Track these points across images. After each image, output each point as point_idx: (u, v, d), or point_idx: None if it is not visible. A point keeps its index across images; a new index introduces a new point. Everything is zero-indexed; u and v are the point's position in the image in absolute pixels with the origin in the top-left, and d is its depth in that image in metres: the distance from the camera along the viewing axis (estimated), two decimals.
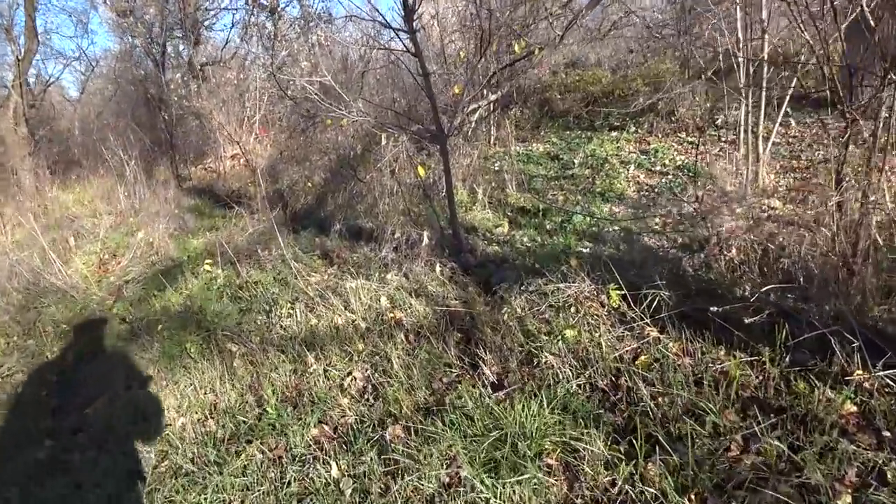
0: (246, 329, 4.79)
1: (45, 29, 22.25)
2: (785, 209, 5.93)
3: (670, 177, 7.12)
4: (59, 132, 18.13)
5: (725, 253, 4.18)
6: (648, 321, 3.81)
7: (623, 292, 3.93)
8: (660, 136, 8.48)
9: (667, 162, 7.49)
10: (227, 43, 15.34)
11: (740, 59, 6.30)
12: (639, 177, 7.25)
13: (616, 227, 6.02)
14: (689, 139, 8.13)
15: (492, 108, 9.36)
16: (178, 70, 14.32)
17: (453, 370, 3.92)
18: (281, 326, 4.70)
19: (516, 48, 7.89)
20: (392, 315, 4.50)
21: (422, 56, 5.32)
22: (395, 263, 5.51)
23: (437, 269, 5.27)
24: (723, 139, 7.98)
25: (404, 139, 6.79)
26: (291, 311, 4.78)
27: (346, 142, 8.39)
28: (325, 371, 4.09)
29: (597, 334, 3.80)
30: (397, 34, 5.80)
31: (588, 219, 6.37)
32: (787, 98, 6.27)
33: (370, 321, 4.53)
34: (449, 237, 5.86)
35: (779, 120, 6.13)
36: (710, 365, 3.48)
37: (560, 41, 8.39)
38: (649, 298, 3.81)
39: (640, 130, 8.70)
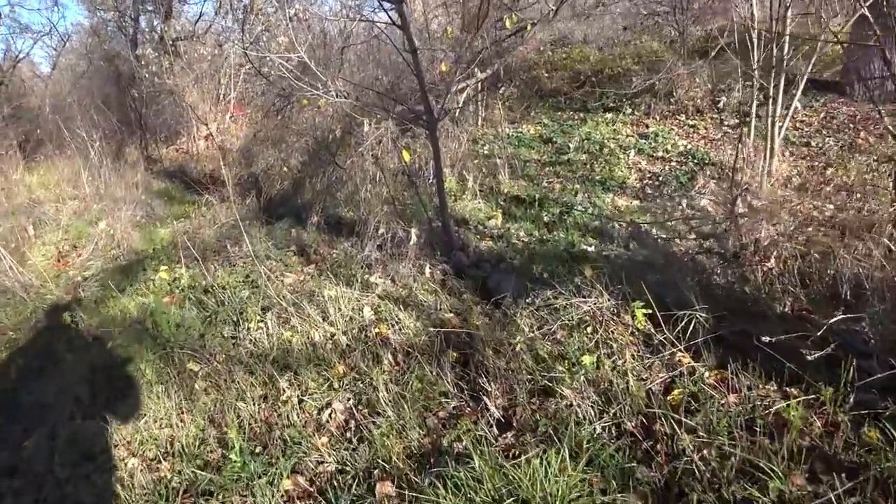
0: (210, 344, 4.06)
1: (9, 2, 20.85)
2: (805, 205, 5.30)
3: (674, 164, 6.46)
4: (30, 109, 16.99)
5: (763, 263, 3.53)
6: (679, 345, 3.16)
7: (649, 311, 3.27)
8: (658, 118, 7.80)
9: (669, 147, 6.82)
10: (200, 16, 14.29)
11: (754, 38, 5.62)
12: (640, 163, 6.57)
13: (623, 222, 5.35)
14: (690, 122, 7.45)
15: (479, 88, 8.61)
16: (150, 45, 13.31)
17: (450, 401, 3.24)
18: (250, 341, 3.98)
19: (507, 23, 7.13)
20: (377, 330, 3.80)
21: (409, 29, 4.56)
22: (379, 264, 4.79)
23: (427, 271, 4.57)
24: (725, 123, 7.33)
25: (388, 122, 6.04)
26: (262, 324, 4.06)
27: (325, 124, 7.60)
28: (301, 401, 3.39)
29: (621, 361, 3.14)
30: (381, 4, 5.03)
31: (590, 211, 5.69)
32: (804, 80, 5.60)
33: (352, 337, 3.83)
34: (438, 231, 5.16)
35: (794, 104, 5.45)
36: (759, 403, 2.84)
37: (554, 16, 7.62)
38: (682, 320, 3.16)
39: (636, 112, 8.00)
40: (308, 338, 3.87)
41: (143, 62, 12.24)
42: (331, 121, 7.73)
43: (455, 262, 4.73)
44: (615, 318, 3.36)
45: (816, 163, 6.00)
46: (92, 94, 13.09)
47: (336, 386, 3.44)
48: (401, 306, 4.00)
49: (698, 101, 7.65)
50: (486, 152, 7.59)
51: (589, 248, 4.86)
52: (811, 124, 6.78)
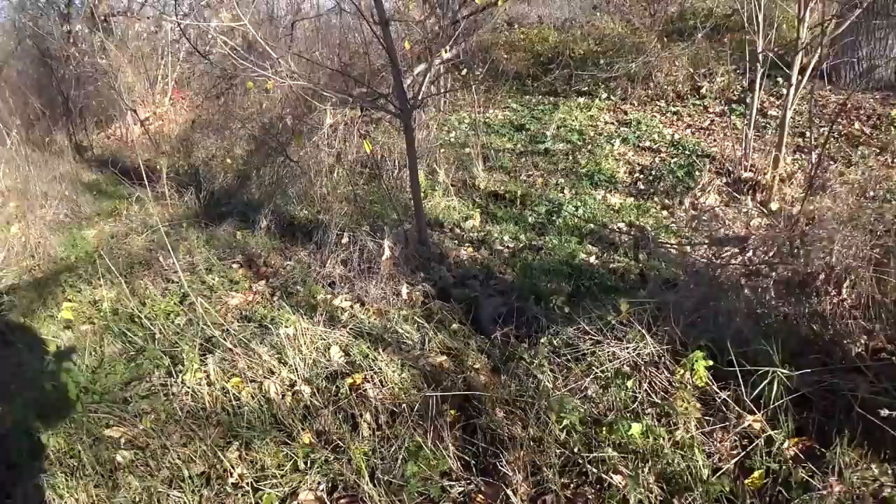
0: (136, 399, 3.06)
1: None
2: (818, 205, 4.58)
3: (664, 155, 5.67)
4: None
5: (838, 293, 2.74)
6: (749, 405, 2.36)
7: (709, 361, 2.44)
8: (636, 103, 7.01)
9: (655, 137, 6.03)
10: None
11: (760, 18, 4.84)
12: (627, 154, 5.77)
13: (623, 224, 4.53)
14: (672, 109, 6.68)
15: (442, 70, 7.64)
16: (81, 21, 11.75)
17: (456, 484, 2.36)
18: (188, 393, 3.00)
19: None
20: (351, 380, 2.87)
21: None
22: (344, 282, 3.84)
23: (404, 291, 3.65)
24: (709, 109, 6.59)
25: (348, 107, 5.06)
26: (201, 371, 3.07)
27: (274, 109, 6.54)
28: (255, 489, 2.45)
29: (678, 431, 2.31)
30: None
31: (581, 211, 4.85)
32: (811, 67, 4.85)
33: (318, 388, 2.90)
34: (411, 237, 4.24)
35: (795, 92, 4.69)
36: (866, 487, 2.07)
37: None
38: (748, 369, 2.34)
39: (613, 97, 7.19)
40: (261, 389, 2.91)
41: (72, 39, 10.78)
42: (280, 106, 6.66)
43: (437, 279, 3.82)
44: (661, 368, 2.53)
45: (815, 155, 5.30)
46: (16, 75, 11.49)
47: (302, 465, 2.51)
48: (377, 345, 3.08)
49: (679, 85, 6.88)
50: (453, 140, 6.66)
51: (591, 259, 4.03)
52: (801, 113, 6.10)
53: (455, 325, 3.28)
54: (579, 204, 4.90)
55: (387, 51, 3.79)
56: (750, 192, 4.61)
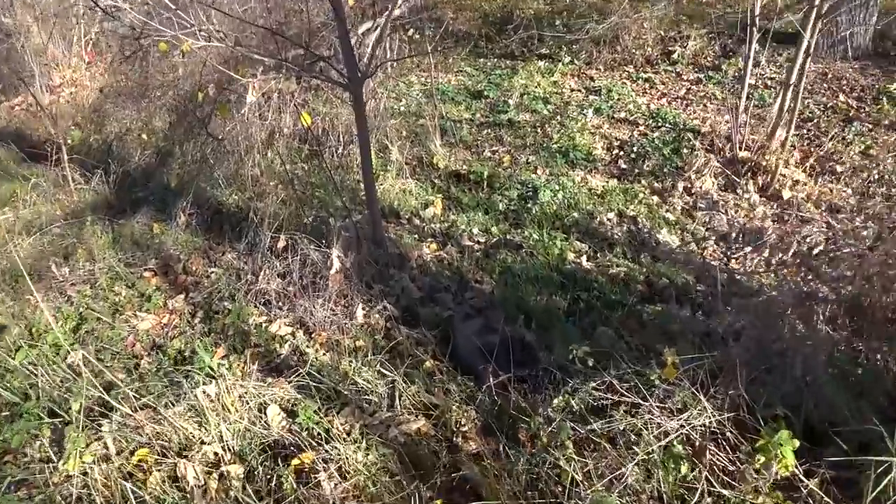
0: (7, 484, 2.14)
1: None
2: (820, 189, 3.95)
3: (642, 128, 4.93)
4: None
5: None
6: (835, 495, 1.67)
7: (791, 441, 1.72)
8: (602, 69, 6.22)
9: (631, 107, 5.27)
10: None
11: None
12: (602, 127, 4.99)
13: (612, 215, 3.78)
14: (643, 75, 5.93)
15: (389, 31, 6.63)
16: None
17: None
18: (76, 481, 2.10)
19: None
20: (298, 462, 2.03)
21: None
22: (283, 300, 2.96)
23: (360, 313, 2.81)
24: (683, 77, 5.87)
25: (282, 74, 4.07)
26: (96, 443, 2.17)
27: (196, 76, 5.42)
28: None
29: None
30: None
31: (560, 196, 4.07)
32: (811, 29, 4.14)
33: (252, 469, 2.05)
34: (363, 233, 3.38)
35: (806, 59, 4.00)
36: None
37: None
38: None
39: (576, 62, 6.37)
40: (171, 475, 2.05)
41: None
42: (200, 72, 5.55)
43: (398, 294, 2.99)
44: (723, 444, 1.80)
45: (805, 131, 4.68)
46: None
47: None
48: (331, 404, 2.24)
49: (648, 49, 6.13)
50: (403, 109, 5.74)
51: (584, 262, 3.27)
52: (776, 84, 5.46)
53: (429, 363, 2.47)
54: (557, 188, 4.11)
55: (333, 7, 2.84)
56: (749, 174, 3.93)
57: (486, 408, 2.25)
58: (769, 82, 5.46)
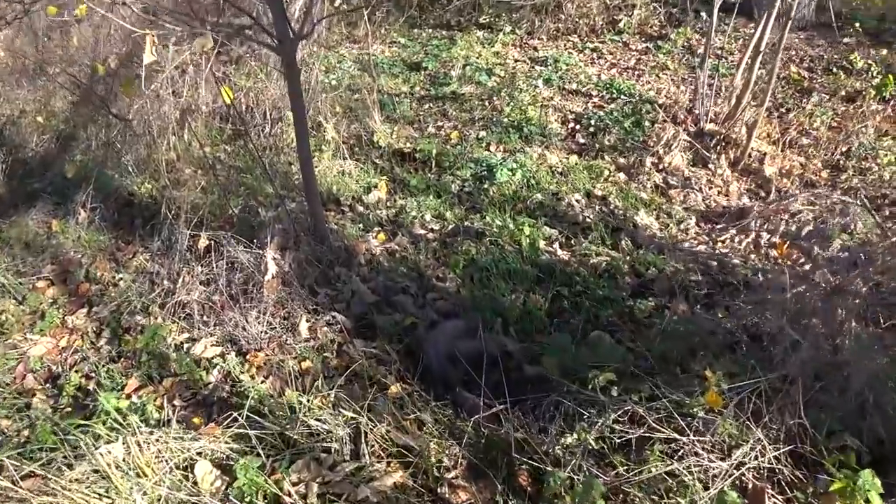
0: None
1: None
2: (791, 163, 3.70)
3: (597, 100, 4.56)
4: None
5: None
6: None
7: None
8: (545, 38, 5.81)
9: (582, 78, 4.89)
10: None
11: None
12: (553, 100, 4.58)
13: (579, 196, 3.37)
14: (590, 45, 5.56)
15: None
16: None
17: None
18: None
19: None
20: None
21: None
22: (208, 313, 2.39)
23: (304, 326, 2.28)
24: (631, 46, 5.54)
25: (200, 40, 3.41)
26: None
27: (99, 46, 4.61)
28: None
29: None
30: None
31: (519, 174, 3.64)
32: None
33: None
34: (301, 224, 2.84)
35: (788, 24, 3.73)
36: None
37: None
38: None
39: (518, 31, 5.93)
40: None
41: None
42: (102, 44, 4.72)
43: (348, 299, 2.48)
44: (783, 485, 1.42)
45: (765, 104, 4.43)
46: None
47: None
48: (278, 455, 1.73)
49: (593, 19, 5.76)
50: (335, 83, 5.13)
51: (559, 251, 2.84)
52: (732, 53, 5.22)
53: (395, 387, 1.99)
54: (515, 166, 3.67)
55: None
56: (719, 148, 3.62)
57: (471, 440, 1.80)
58: (719, 52, 5.20)
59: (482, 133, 4.19)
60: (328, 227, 3.07)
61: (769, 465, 1.43)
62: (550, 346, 2.10)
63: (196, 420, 1.99)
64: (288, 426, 1.81)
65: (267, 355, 2.20)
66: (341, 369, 2.12)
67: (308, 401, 1.88)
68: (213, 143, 4.31)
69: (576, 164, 3.76)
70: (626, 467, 1.46)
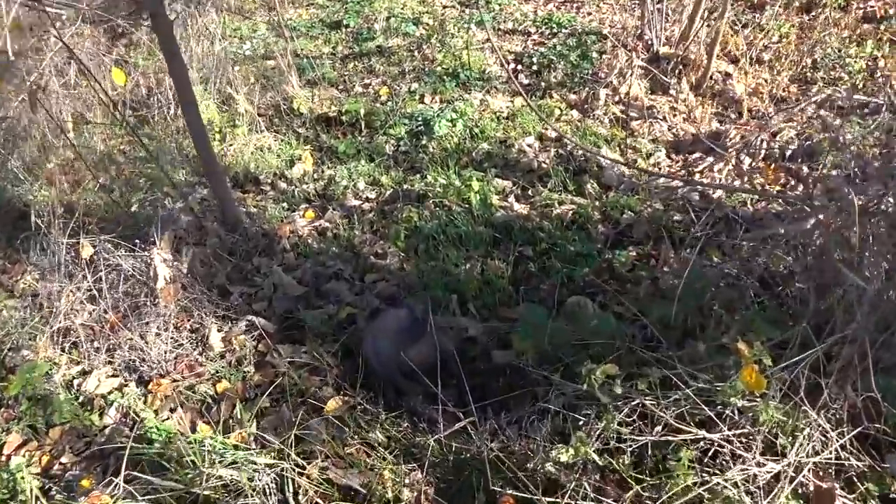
0: None
1: None
2: (756, 81, 3.32)
3: (537, 38, 4.09)
4: None
5: None
6: None
7: None
8: None
9: (518, 17, 4.41)
10: None
11: None
12: (489, 41, 4.10)
13: (532, 139, 2.93)
14: None
15: None
16: None
17: None
18: None
19: None
20: None
21: None
22: (99, 336, 1.87)
23: (215, 338, 1.80)
24: None
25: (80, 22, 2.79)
26: None
27: None
28: None
29: None
30: None
31: (460, 124, 3.17)
32: None
33: None
34: (211, 211, 2.33)
35: None
36: None
37: None
38: None
39: None
40: None
41: None
42: None
43: (269, 296, 2.00)
44: (852, 480, 1.03)
45: (713, 21, 4.03)
46: None
47: None
48: None
49: None
50: (249, 53, 4.53)
51: (515, 205, 2.40)
52: None
53: (333, 402, 1.53)
54: (454, 115, 3.20)
55: None
56: (678, 72, 3.21)
57: (436, 458, 1.36)
58: None
59: (414, 85, 3.69)
60: (244, 210, 2.57)
61: (832, 458, 1.04)
62: (521, 322, 1.67)
63: (85, 483, 1.51)
64: (196, 479, 1.34)
65: (174, 380, 1.72)
66: (265, 386, 1.65)
67: (221, 442, 1.41)
68: (115, 135, 3.73)
69: (522, 106, 3.30)
70: (643, 485, 1.05)
